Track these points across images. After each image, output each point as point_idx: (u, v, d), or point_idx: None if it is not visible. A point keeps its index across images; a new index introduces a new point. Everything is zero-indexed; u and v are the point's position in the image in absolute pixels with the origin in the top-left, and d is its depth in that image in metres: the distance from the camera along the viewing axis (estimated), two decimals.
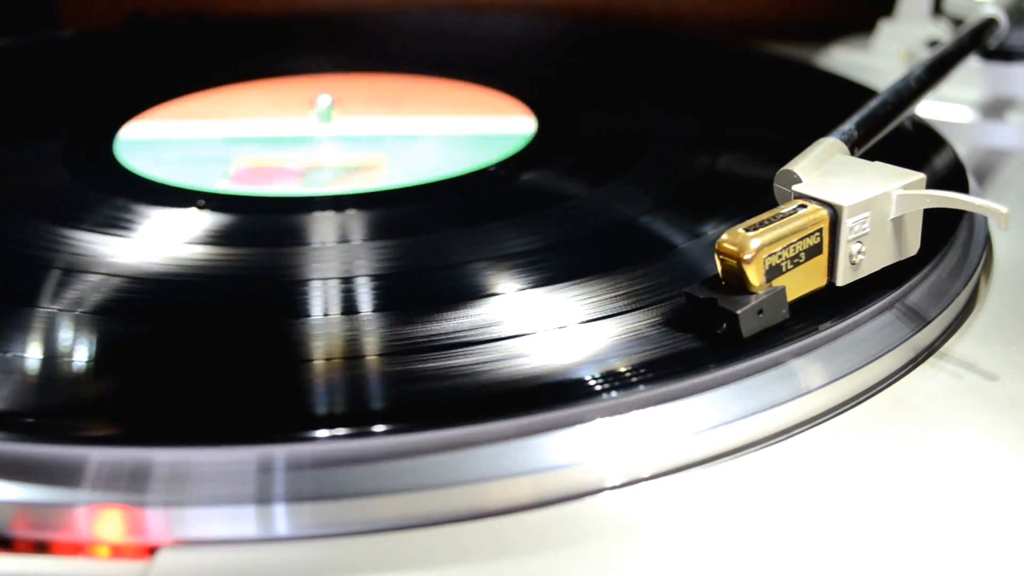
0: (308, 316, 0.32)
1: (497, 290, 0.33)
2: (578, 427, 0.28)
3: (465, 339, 0.30)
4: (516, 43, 0.64)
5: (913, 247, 0.33)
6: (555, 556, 0.26)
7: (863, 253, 0.31)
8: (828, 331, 0.31)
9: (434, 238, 0.37)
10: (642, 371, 0.28)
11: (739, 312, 0.29)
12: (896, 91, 0.38)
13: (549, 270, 0.34)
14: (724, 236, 0.30)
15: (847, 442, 0.29)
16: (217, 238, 0.37)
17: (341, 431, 0.26)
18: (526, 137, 0.46)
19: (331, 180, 0.43)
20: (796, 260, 0.30)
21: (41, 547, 0.26)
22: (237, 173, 0.43)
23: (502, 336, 0.30)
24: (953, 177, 0.41)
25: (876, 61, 0.60)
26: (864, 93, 0.46)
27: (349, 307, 0.33)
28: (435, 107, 0.51)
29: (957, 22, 0.55)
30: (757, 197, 0.34)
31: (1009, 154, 0.51)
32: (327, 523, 0.26)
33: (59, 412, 0.28)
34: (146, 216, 0.39)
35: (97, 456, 0.26)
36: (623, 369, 0.29)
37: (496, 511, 0.27)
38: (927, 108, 0.52)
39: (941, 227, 0.35)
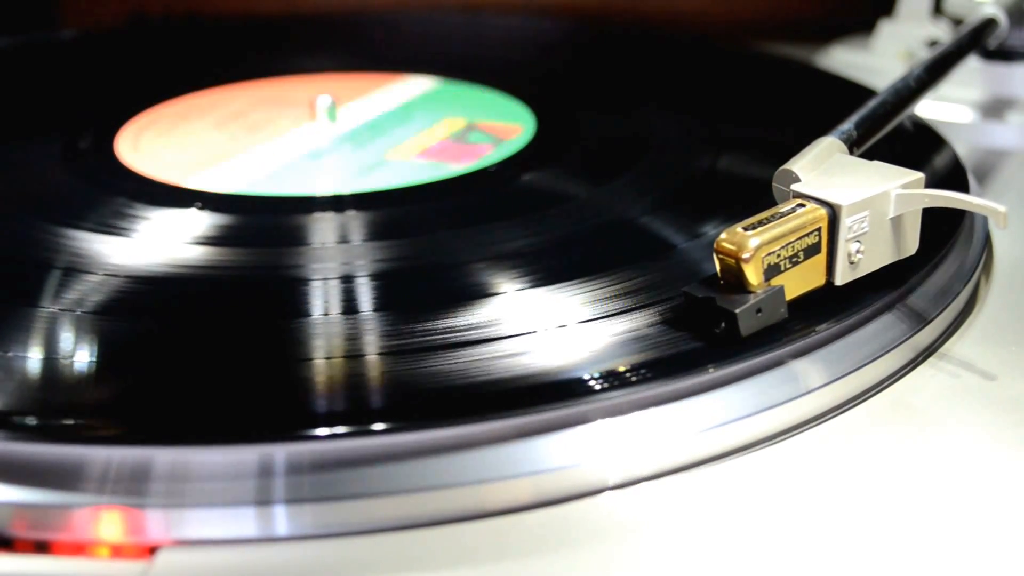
0: (308, 316, 0.32)
1: (497, 290, 0.33)
2: (578, 427, 0.28)
3: (465, 339, 0.30)
4: (516, 43, 0.64)
5: (912, 247, 0.33)
6: (555, 556, 0.26)
7: (862, 252, 0.31)
8: (828, 331, 0.31)
9: (434, 238, 0.37)
10: (642, 371, 0.28)
11: (737, 311, 0.29)
12: (895, 91, 0.38)
13: (549, 270, 0.34)
14: (723, 235, 0.30)
15: (847, 442, 0.29)
16: (217, 238, 0.37)
17: (341, 430, 0.26)
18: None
19: (492, 142, 0.45)
20: (795, 259, 0.30)
21: (41, 547, 0.26)
22: (431, 150, 0.44)
23: (502, 336, 0.30)
24: (953, 177, 0.41)
25: (876, 61, 0.60)
26: (864, 93, 0.46)
27: (349, 307, 0.33)
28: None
29: (957, 22, 0.55)
30: (757, 197, 0.34)
31: (1009, 154, 0.51)
32: (327, 523, 0.26)
33: (59, 412, 0.28)
34: (146, 216, 0.39)
35: (97, 456, 0.26)
36: (623, 369, 0.29)
37: (496, 511, 0.27)
38: (927, 108, 0.52)
39: (941, 227, 0.35)
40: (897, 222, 0.32)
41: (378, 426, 0.26)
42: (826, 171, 0.32)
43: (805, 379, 0.30)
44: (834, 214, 0.31)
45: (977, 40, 0.46)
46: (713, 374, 0.29)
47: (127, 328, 0.31)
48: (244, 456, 0.26)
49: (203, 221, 0.38)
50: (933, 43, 0.57)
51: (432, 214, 0.39)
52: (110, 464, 0.26)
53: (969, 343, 0.34)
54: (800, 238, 0.30)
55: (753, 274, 0.29)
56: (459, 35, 0.65)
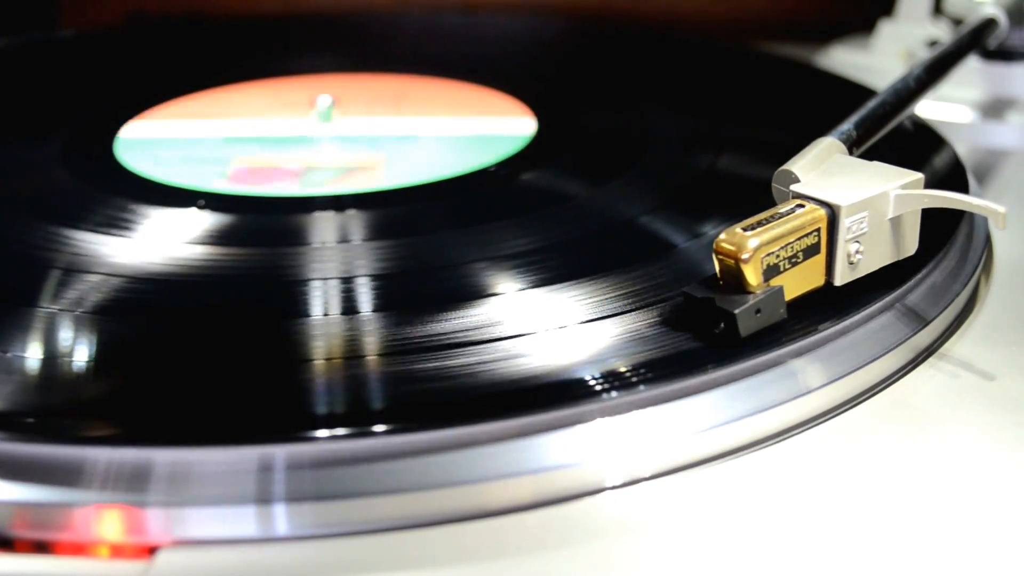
0: (308, 316, 0.32)
1: (497, 290, 0.33)
2: (578, 427, 0.28)
3: (465, 339, 0.30)
4: (516, 43, 0.64)
5: (911, 247, 0.33)
6: (555, 556, 0.26)
7: (861, 253, 0.31)
8: (828, 331, 0.31)
9: (434, 238, 0.37)
10: (642, 371, 0.28)
11: (736, 312, 0.29)
12: (895, 91, 0.38)
13: (549, 270, 0.34)
14: (722, 236, 0.30)
15: (847, 442, 0.29)
16: (217, 238, 0.37)
17: (341, 431, 0.26)
18: (525, 138, 0.46)
19: (329, 180, 0.43)
20: (794, 260, 0.30)
21: (41, 547, 0.26)
22: (235, 173, 0.43)
23: (502, 336, 0.30)
24: (953, 177, 0.41)
25: (876, 61, 0.60)
26: (864, 93, 0.46)
27: (349, 307, 0.33)
28: (435, 107, 0.51)
29: (957, 22, 0.55)
30: (756, 197, 0.34)
31: (1009, 154, 0.51)
32: (327, 523, 0.26)
33: (59, 412, 0.28)
34: (146, 216, 0.39)
35: (97, 456, 0.26)
36: (623, 369, 0.29)
37: (496, 511, 0.27)
38: (927, 108, 0.52)
39: (941, 227, 0.35)
40: (896, 222, 0.32)
41: (378, 428, 0.26)
42: (825, 171, 0.32)
43: (805, 379, 0.30)
44: (833, 214, 0.31)
45: (977, 40, 0.46)
46: (713, 374, 0.29)
47: (127, 328, 0.31)
48: (244, 456, 0.26)
49: (203, 221, 0.38)
50: (933, 43, 0.57)
51: (432, 214, 0.40)
52: (110, 464, 0.26)
53: (969, 343, 0.34)
54: (799, 238, 0.30)
55: (752, 275, 0.29)
56: (459, 35, 0.65)
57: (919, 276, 0.34)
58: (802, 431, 0.30)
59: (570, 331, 0.31)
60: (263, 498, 0.26)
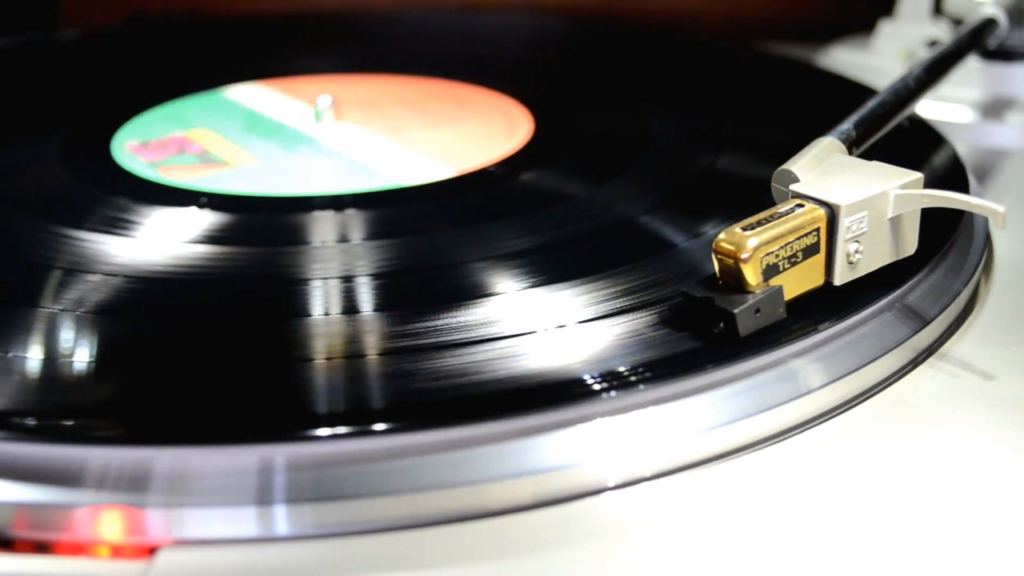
0: (308, 316, 0.32)
1: (497, 290, 0.33)
2: (578, 427, 0.28)
3: (465, 339, 0.30)
4: (516, 43, 0.64)
5: (911, 247, 0.33)
6: (555, 556, 0.26)
7: (860, 253, 0.31)
8: (828, 331, 0.31)
9: (434, 238, 0.37)
10: (642, 371, 0.28)
11: (736, 311, 0.29)
12: (895, 91, 0.38)
13: (549, 270, 0.34)
14: (721, 235, 0.30)
15: (847, 442, 0.29)
16: (217, 238, 0.37)
17: (341, 430, 0.26)
18: (410, 185, 0.42)
19: (184, 167, 0.44)
20: (793, 259, 0.30)
21: (42, 547, 0.26)
22: (153, 141, 0.46)
23: (502, 336, 0.30)
24: (953, 177, 0.41)
25: (876, 61, 0.60)
26: (864, 93, 0.46)
27: (349, 306, 0.33)
28: (419, 132, 0.48)
29: (957, 22, 0.55)
30: (756, 197, 0.34)
31: (1009, 154, 0.51)
32: (327, 523, 0.26)
33: (60, 412, 0.28)
34: (146, 216, 0.39)
35: (97, 456, 0.26)
36: (623, 369, 0.29)
37: (496, 511, 0.27)
38: (927, 108, 0.52)
39: (941, 227, 0.35)
40: (896, 222, 0.32)
41: (378, 427, 0.26)
42: (825, 171, 0.32)
43: (805, 379, 0.30)
44: (833, 214, 0.31)
45: (977, 40, 0.46)
46: (713, 374, 0.29)
47: (127, 328, 0.31)
48: (244, 456, 0.26)
49: (203, 221, 0.38)
50: (933, 43, 0.57)
51: (432, 214, 0.40)
52: (110, 464, 0.26)
53: (969, 343, 0.34)
54: (799, 238, 0.30)
55: (752, 274, 0.29)
56: (459, 35, 0.65)
57: (919, 276, 0.34)
58: (802, 431, 0.30)
59: (570, 331, 0.31)
60: (263, 498, 0.26)
